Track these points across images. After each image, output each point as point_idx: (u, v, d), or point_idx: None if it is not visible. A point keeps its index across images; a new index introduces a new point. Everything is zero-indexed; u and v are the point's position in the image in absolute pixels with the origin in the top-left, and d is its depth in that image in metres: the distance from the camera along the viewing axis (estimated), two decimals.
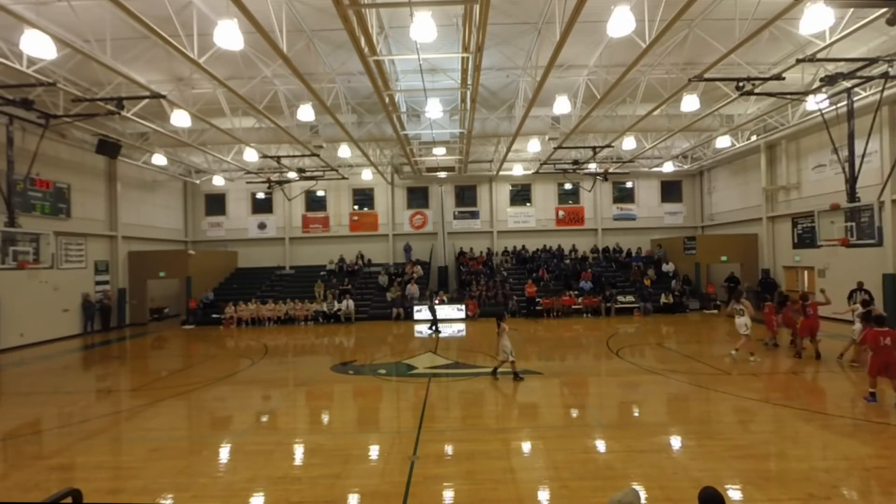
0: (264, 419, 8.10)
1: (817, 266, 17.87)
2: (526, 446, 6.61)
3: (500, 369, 10.07)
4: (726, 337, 15.10)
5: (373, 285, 23.48)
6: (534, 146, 19.31)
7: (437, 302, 19.03)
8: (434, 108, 14.73)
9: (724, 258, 21.82)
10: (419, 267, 24.32)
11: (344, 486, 5.41)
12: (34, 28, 9.23)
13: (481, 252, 26.30)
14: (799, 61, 11.00)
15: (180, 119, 14.24)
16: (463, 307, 20.48)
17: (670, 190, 27.26)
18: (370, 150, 20.98)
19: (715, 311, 20.20)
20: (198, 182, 25.67)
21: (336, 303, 20.86)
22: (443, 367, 11.61)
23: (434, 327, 17.48)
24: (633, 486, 3.90)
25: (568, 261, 25.03)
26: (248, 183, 25.05)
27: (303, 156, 18.87)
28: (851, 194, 11.26)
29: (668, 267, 23.22)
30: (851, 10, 9.50)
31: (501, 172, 24.44)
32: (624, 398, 8.78)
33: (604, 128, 17.81)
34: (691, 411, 8.00)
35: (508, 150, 19.51)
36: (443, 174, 24.87)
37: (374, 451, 6.48)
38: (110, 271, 20.41)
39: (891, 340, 7.75)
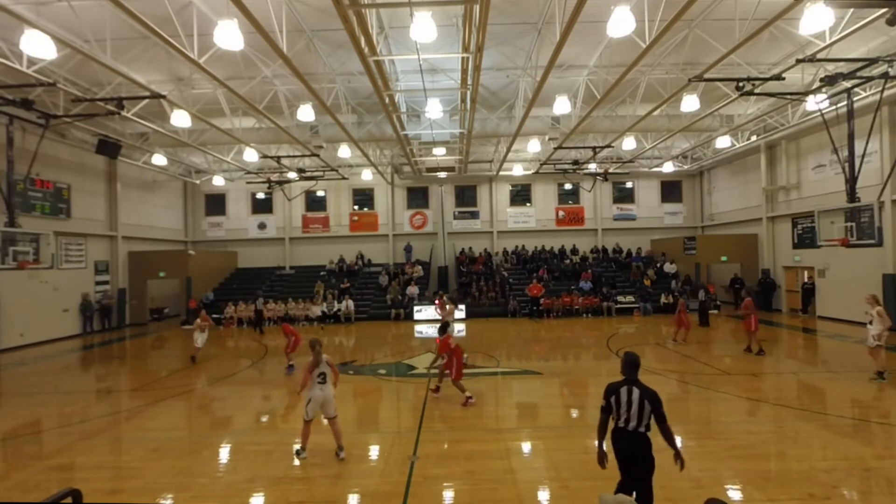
0: (264, 419, 8.10)
1: (817, 266, 17.87)
2: (526, 446, 6.61)
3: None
4: (726, 337, 15.10)
5: (373, 285, 23.48)
6: (534, 146, 19.30)
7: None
8: (434, 108, 14.71)
9: (724, 258, 21.83)
10: (419, 267, 24.34)
11: (344, 486, 5.42)
12: (34, 28, 9.23)
13: (481, 252, 26.25)
14: (799, 61, 10.99)
15: (180, 119, 14.24)
16: (462, 307, 20.47)
17: (670, 190, 27.26)
18: (370, 150, 20.97)
19: (714, 311, 20.18)
20: (198, 182, 25.66)
21: (336, 303, 20.87)
22: None
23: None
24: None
25: (568, 261, 25.04)
26: (248, 183, 25.05)
27: (303, 156, 18.86)
28: (851, 194, 11.25)
29: (669, 268, 23.19)
30: (851, 10, 9.49)
31: (501, 172, 24.43)
32: None
33: (604, 128, 17.81)
34: (691, 411, 8.00)
35: (508, 150, 19.50)
36: (443, 174, 24.85)
37: (374, 451, 6.48)
38: (110, 271, 20.40)
39: None
